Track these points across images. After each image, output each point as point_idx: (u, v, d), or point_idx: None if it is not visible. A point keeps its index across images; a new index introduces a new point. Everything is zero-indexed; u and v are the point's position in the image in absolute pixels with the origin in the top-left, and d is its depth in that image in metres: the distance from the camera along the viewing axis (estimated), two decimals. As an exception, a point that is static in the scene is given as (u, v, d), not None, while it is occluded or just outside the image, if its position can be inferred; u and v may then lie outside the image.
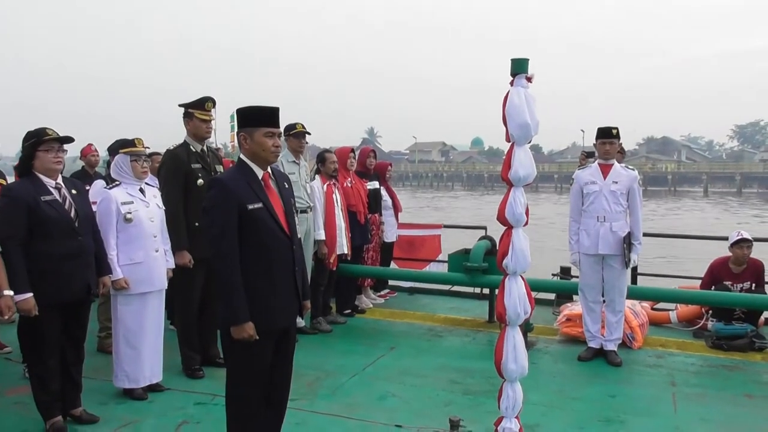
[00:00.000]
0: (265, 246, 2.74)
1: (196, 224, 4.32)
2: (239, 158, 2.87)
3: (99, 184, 5.00)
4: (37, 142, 3.41)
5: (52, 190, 3.44)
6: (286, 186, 2.97)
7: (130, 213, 3.92)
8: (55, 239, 3.38)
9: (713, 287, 5.67)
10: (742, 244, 5.61)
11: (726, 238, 5.80)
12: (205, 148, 4.60)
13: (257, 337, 2.70)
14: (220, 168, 4.63)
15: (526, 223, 2.81)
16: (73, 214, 3.47)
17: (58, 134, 3.47)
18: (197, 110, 4.49)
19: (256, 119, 2.79)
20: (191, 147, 4.50)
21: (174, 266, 4.25)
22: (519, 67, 2.69)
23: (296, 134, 5.49)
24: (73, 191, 3.56)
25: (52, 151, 3.43)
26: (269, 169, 2.88)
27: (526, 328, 5.15)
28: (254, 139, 2.77)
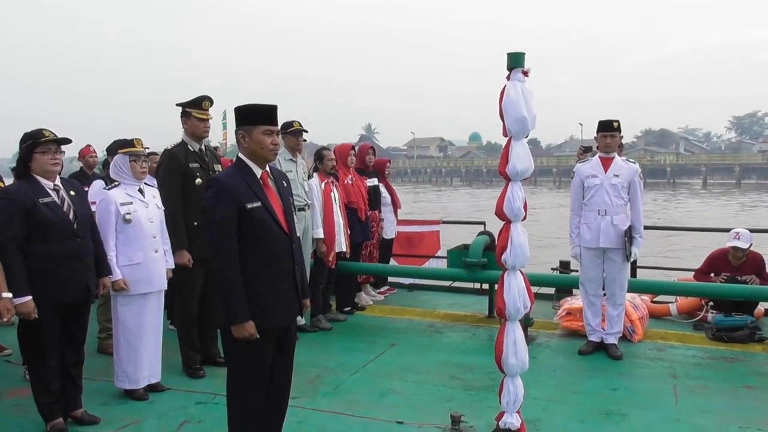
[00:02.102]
0: (264, 245, 2.74)
1: (195, 224, 4.31)
2: (237, 157, 2.86)
3: (98, 184, 4.97)
4: (34, 143, 3.38)
5: (50, 191, 3.42)
6: (285, 185, 2.97)
7: (130, 214, 3.91)
8: (53, 241, 3.36)
9: (712, 275, 5.68)
10: (736, 248, 5.60)
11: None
12: (203, 147, 4.58)
13: (257, 336, 2.69)
14: (218, 167, 4.61)
15: (525, 218, 2.81)
16: (71, 215, 3.45)
17: (55, 135, 3.44)
18: (195, 109, 4.47)
19: (254, 117, 2.78)
20: (189, 146, 4.49)
21: (174, 266, 4.24)
22: (515, 61, 2.68)
23: (293, 132, 5.47)
24: (72, 192, 3.54)
25: (49, 152, 3.41)
26: (268, 168, 2.87)
27: (526, 322, 5.16)
28: (253, 137, 2.76)
